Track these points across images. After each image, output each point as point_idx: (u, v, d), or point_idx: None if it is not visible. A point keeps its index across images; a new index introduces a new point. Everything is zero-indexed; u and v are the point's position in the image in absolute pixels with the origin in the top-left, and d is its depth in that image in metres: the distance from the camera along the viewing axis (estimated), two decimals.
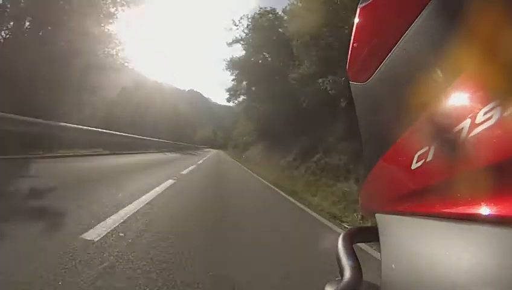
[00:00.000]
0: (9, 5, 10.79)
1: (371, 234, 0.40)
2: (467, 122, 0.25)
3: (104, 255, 1.78)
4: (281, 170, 11.36)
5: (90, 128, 10.71)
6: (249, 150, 24.83)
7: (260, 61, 19.03)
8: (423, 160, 0.28)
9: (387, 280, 0.31)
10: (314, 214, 4.46)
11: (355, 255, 0.38)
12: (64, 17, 11.50)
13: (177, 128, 40.35)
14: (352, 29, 0.41)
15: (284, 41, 14.34)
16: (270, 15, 18.04)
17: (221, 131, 75.10)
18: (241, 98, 23.75)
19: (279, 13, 18.18)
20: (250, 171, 12.00)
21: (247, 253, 2.23)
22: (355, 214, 4.31)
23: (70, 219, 2.36)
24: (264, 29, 17.47)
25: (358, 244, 0.46)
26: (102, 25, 13.26)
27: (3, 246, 1.73)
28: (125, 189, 3.89)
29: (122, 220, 2.52)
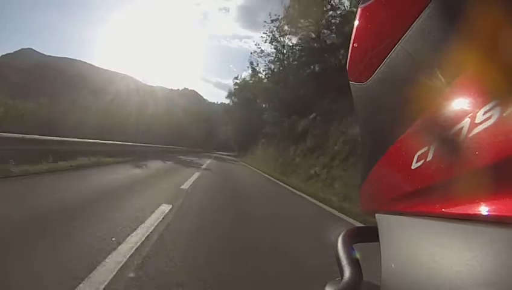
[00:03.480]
0: None
1: (371, 234, 0.40)
2: (466, 122, 0.25)
3: None
4: None
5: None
6: None
7: None
8: (423, 160, 0.28)
9: (387, 280, 0.31)
10: None
11: (355, 255, 0.38)
12: None
13: (172, 131, 34.55)
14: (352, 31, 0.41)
15: None
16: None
17: (232, 128, 49.49)
18: None
19: None
20: None
21: None
22: None
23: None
24: None
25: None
26: None
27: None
28: None
29: None
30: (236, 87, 42.07)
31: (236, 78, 43.62)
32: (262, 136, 25.44)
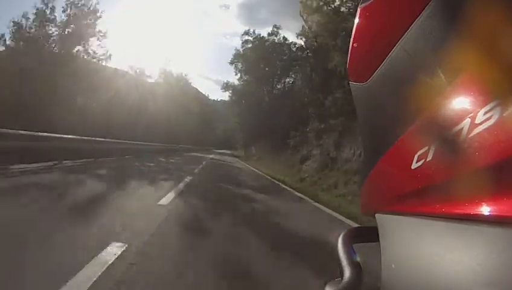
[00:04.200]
0: None
1: (371, 234, 0.40)
2: (466, 122, 0.25)
3: None
4: None
5: None
6: None
7: None
8: (423, 160, 0.28)
9: (387, 280, 0.31)
10: None
11: (356, 255, 0.38)
12: None
13: (169, 127, 31.02)
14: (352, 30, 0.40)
15: None
16: None
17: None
18: None
19: None
20: None
21: None
22: None
23: None
24: None
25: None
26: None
27: None
28: None
29: None
30: (245, 48, 27.63)
31: (247, 33, 28.20)
32: (317, 120, 12.52)
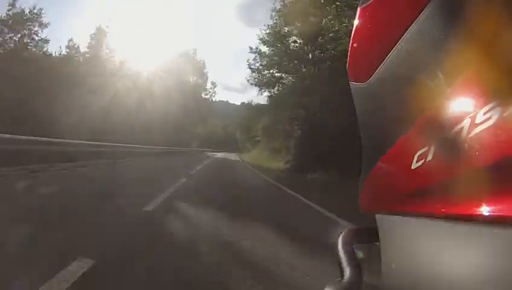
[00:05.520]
0: None
1: (371, 234, 0.40)
2: (466, 122, 0.25)
3: None
4: None
5: None
6: None
7: None
8: (423, 160, 0.28)
9: (387, 280, 0.31)
10: None
11: (356, 256, 0.38)
12: None
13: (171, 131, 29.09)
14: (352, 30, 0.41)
15: None
16: None
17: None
18: None
19: None
20: None
21: None
22: None
23: None
24: None
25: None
26: None
27: None
28: None
29: None
30: None
31: None
32: None
